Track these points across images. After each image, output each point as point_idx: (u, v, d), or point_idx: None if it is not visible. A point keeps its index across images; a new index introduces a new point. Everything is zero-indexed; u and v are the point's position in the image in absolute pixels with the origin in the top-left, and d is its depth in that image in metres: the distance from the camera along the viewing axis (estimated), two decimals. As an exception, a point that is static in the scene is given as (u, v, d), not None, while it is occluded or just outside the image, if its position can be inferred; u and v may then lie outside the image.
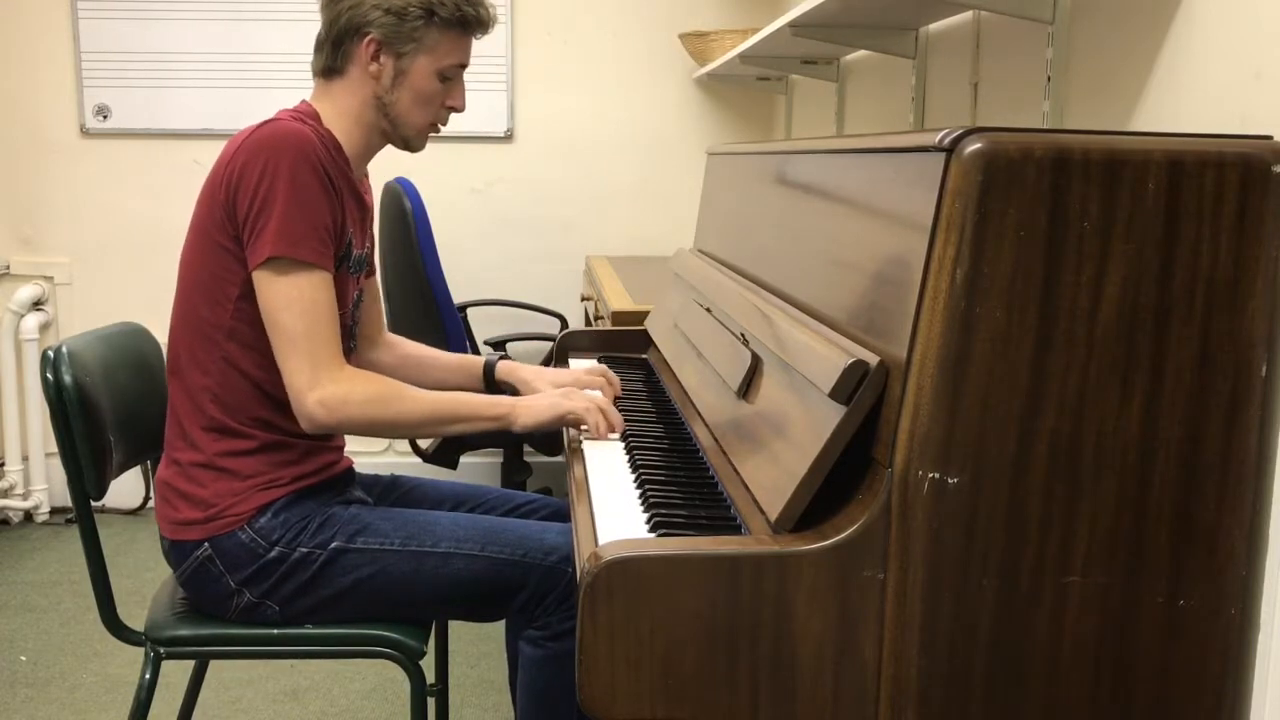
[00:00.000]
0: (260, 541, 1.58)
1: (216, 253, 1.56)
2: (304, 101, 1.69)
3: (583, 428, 1.63)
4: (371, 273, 1.87)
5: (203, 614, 1.64)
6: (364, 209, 1.72)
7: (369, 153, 1.72)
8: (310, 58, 1.76)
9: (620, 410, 1.76)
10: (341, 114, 1.66)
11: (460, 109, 1.73)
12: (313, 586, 1.58)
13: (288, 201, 1.50)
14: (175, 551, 1.61)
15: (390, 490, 1.85)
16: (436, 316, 2.99)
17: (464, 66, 1.70)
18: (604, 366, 1.86)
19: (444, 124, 1.74)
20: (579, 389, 1.76)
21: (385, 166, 3.13)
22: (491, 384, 1.89)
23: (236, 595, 1.59)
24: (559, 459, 3.74)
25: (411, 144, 1.72)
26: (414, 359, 1.93)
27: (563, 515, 1.84)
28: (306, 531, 1.59)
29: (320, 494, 1.65)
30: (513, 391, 1.84)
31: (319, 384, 1.52)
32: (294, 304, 1.51)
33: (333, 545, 1.58)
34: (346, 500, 1.69)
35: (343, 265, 1.62)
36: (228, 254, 1.55)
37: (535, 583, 1.58)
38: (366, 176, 1.80)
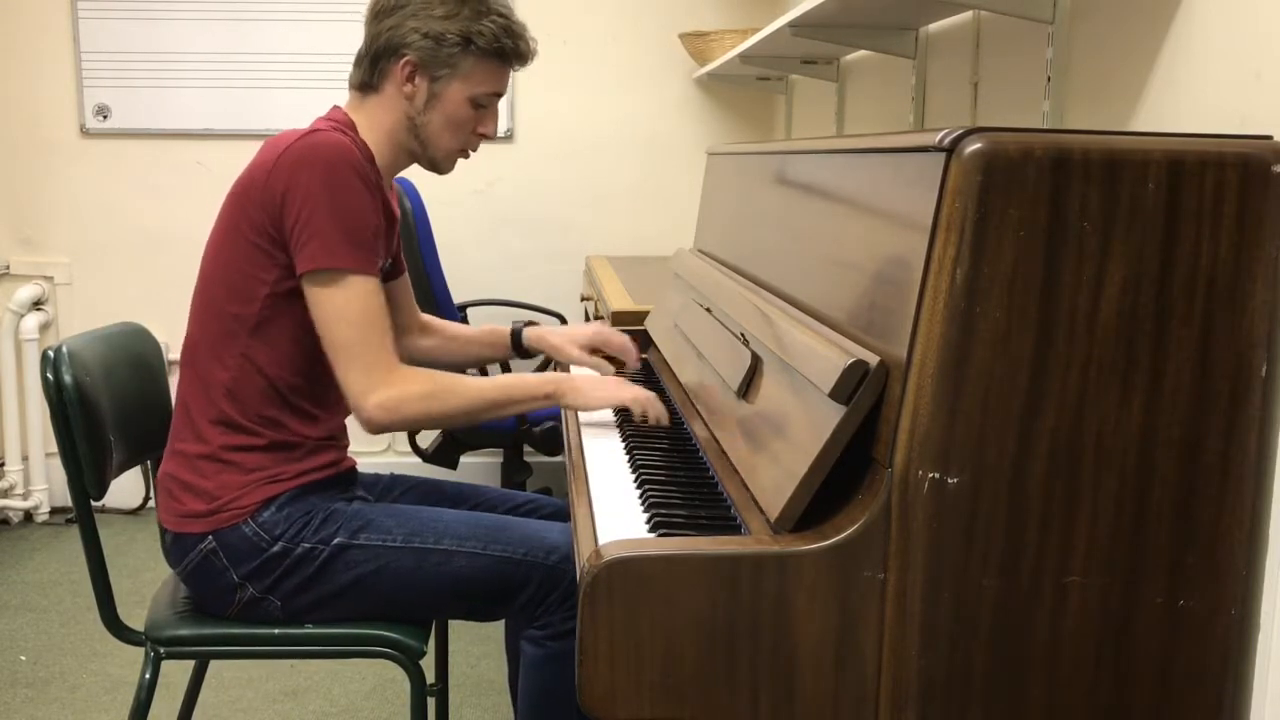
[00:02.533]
0: (264, 535, 1.58)
1: (249, 251, 1.58)
2: (337, 108, 1.71)
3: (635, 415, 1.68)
4: (401, 271, 1.92)
5: (204, 612, 1.64)
6: (391, 220, 1.74)
7: (396, 169, 1.74)
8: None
9: (620, 410, 1.76)
10: (374, 129, 1.68)
11: (491, 137, 1.76)
12: (315, 582, 1.59)
13: (335, 212, 1.53)
14: (178, 545, 1.61)
15: (390, 489, 1.85)
16: (436, 316, 2.99)
17: (498, 95, 1.72)
18: (623, 338, 1.94)
19: (474, 149, 1.76)
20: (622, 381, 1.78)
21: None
22: (521, 351, 1.97)
23: (239, 590, 1.59)
24: (559, 459, 3.74)
25: (439, 166, 1.75)
26: (451, 338, 2.01)
27: (563, 515, 1.84)
28: (310, 527, 1.59)
29: (323, 490, 1.66)
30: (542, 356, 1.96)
31: (375, 389, 1.55)
32: (345, 313, 1.54)
33: (335, 541, 1.59)
34: (349, 498, 1.69)
35: None
36: (261, 253, 1.57)
37: (537, 582, 1.59)
38: (393, 188, 1.83)
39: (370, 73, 1.68)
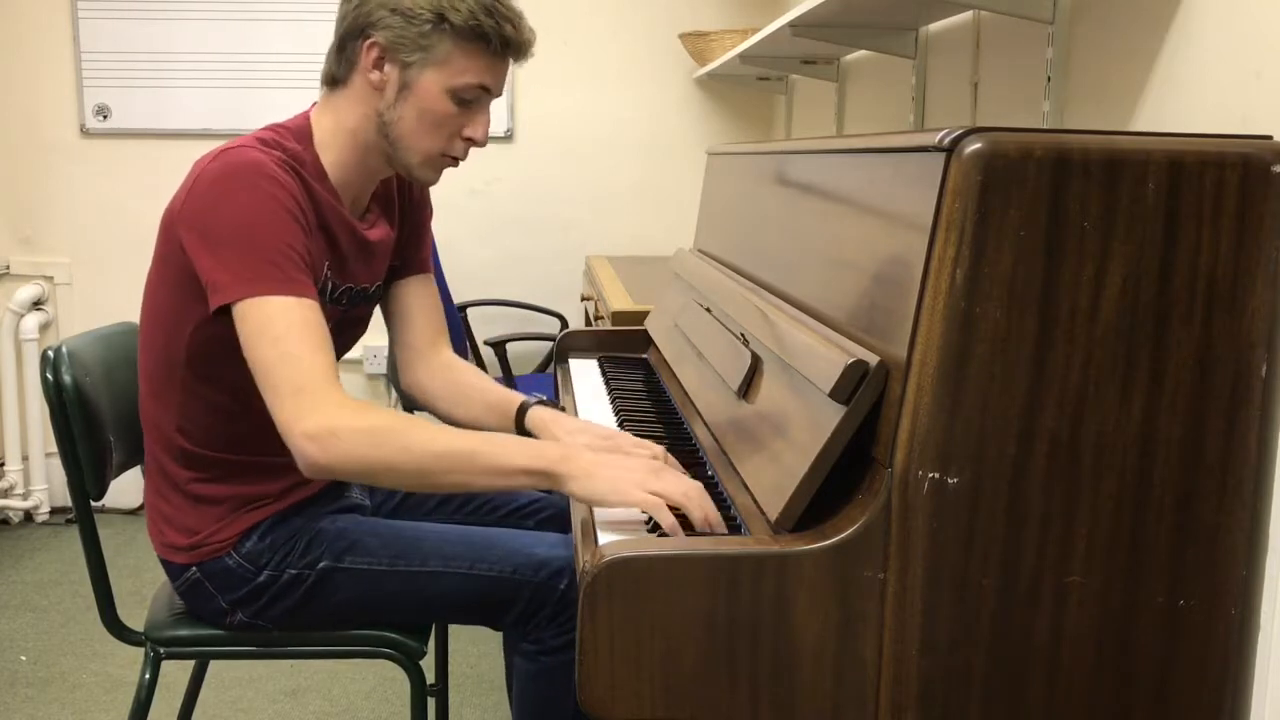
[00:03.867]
0: (248, 566, 1.54)
1: (171, 286, 1.47)
2: (304, 112, 1.56)
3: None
4: (412, 272, 1.73)
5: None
6: (361, 243, 1.57)
7: (370, 176, 1.56)
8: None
9: (620, 411, 1.75)
10: (338, 132, 1.51)
11: (479, 142, 1.52)
12: (304, 606, 1.56)
13: (234, 238, 1.37)
14: (167, 568, 1.59)
15: (395, 489, 1.82)
16: (436, 316, 2.98)
17: (488, 90, 1.49)
18: (664, 453, 1.42)
19: (460, 156, 1.53)
20: (656, 466, 1.31)
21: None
22: (522, 432, 1.63)
23: (230, 614, 1.57)
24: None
25: (414, 172, 1.53)
26: (459, 388, 1.71)
27: (565, 515, 1.84)
28: (294, 552, 1.55)
29: (307, 509, 1.61)
30: None
31: (301, 415, 1.31)
32: (263, 336, 1.35)
33: (321, 565, 1.54)
34: (339, 509, 1.65)
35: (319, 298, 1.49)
36: (182, 289, 1.45)
37: (527, 599, 1.54)
38: (418, 193, 1.67)
39: (338, 61, 1.49)
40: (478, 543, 1.58)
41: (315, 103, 1.59)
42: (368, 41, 1.46)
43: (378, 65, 1.47)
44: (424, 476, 1.33)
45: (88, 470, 1.61)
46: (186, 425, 1.53)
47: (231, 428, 1.53)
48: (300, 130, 1.52)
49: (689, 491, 1.22)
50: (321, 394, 1.33)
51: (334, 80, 1.52)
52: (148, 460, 1.60)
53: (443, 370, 1.73)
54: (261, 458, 1.55)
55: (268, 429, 1.39)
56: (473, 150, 1.56)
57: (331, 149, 1.52)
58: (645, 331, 2.21)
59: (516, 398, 1.66)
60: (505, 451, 1.32)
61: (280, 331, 1.34)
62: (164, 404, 1.52)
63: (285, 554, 1.55)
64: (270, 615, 1.57)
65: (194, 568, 1.55)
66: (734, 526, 1.23)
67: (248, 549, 1.55)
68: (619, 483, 1.26)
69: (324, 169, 1.51)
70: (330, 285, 1.54)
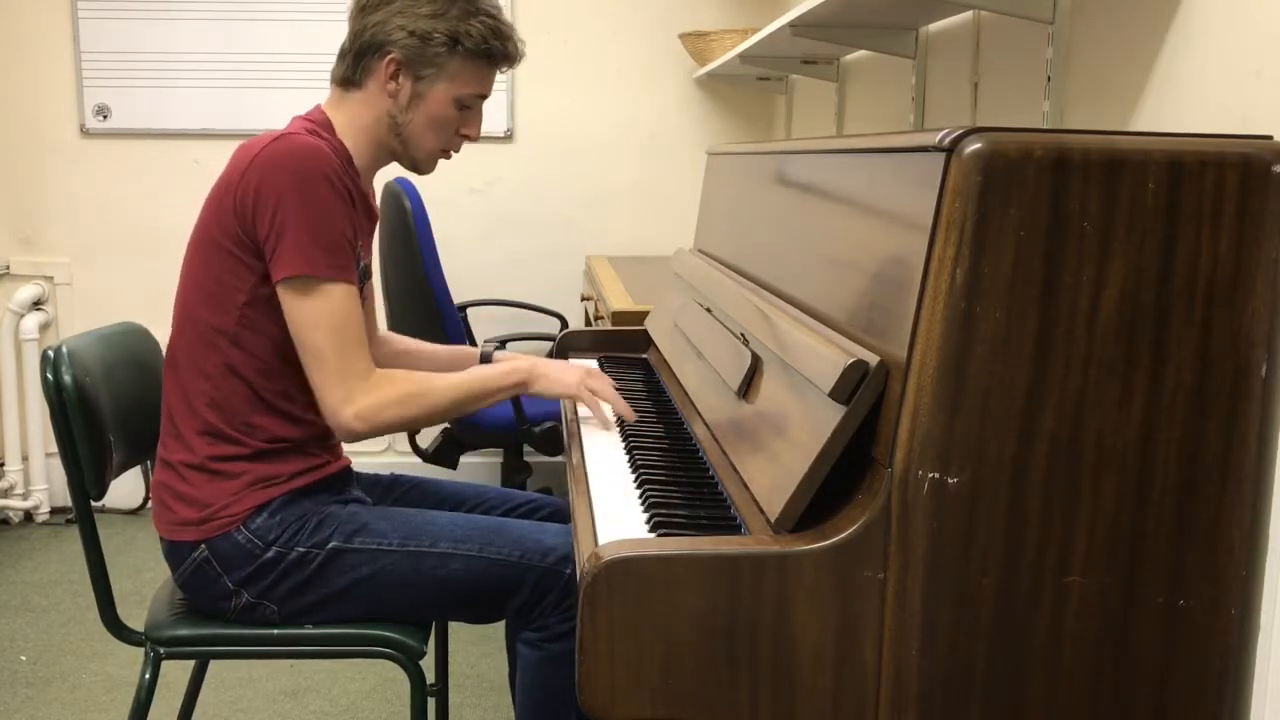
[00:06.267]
0: (257, 542, 1.57)
1: (225, 259, 1.56)
2: (317, 107, 1.69)
3: (584, 413, 1.68)
4: (369, 276, 1.87)
5: (202, 614, 1.64)
6: (371, 219, 1.72)
7: (376, 166, 1.72)
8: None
9: (620, 410, 1.76)
10: (353, 126, 1.66)
11: (474, 139, 1.74)
12: (311, 586, 1.58)
13: (307, 219, 1.51)
14: (173, 552, 1.61)
15: (390, 490, 1.84)
16: (436, 316, 2.99)
17: (484, 97, 1.70)
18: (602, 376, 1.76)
19: (456, 151, 1.74)
20: (592, 370, 1.76)
21: (386, 167, 3.13)
22: None
23: (235, 595, 1.59)
24: (559, 459, 3.74)
25: (420, 166, 1.73)
26: (406, 355, 1.93)
27: (563, 515, 1.84)
28: (304, 531, 1.59)
29: (317, 494, 1.65)
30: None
31: (352, 399, 1.54)
32: (321, 322, 1.52)
33: (330, 545, 1.58)
34: (344, 500, 1.68)
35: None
36: (237, 261, 1.55)
37: (533, 584, 1.58)
38: (371, 185, 1.80)
39: (353, 68, 1.65)
40: (486, 528, 1.64)
41: (318, 105, 1.70)
42: (387, 58, 1.62)
43: (393, 77, 1.64)
44: (445, 417, 1.66)
45: (88, 470, 1.61)
46: (219, 399, 1.59)
47: (253, 410, 1.60)
48: (324, 123, 1.66)
49: (606, 390, 1.69)
50: (364, 377, 1.56)
51: (347, 82, 1.67)
52: (164, 436, 1.65)
53: (382, 345, 1.93)
54: (282, 441, 1.61)
55: (283, 414, 1.60)
56: (473, 150, 1.78)
57: (349, 139, 1.67)
58: (645, 331, 2.21)
59: (471, 352, 1.93)
60: (493, 379, 1.66)
61: (340, 320, 1.53)
62: (203, 374, 1.59)
63: (295, 532, 1.59)
64: (276, 595, 1.59)
65: (202, 545, 1.59)
66: (734, 526, 1.23)
67: (258, 524, 1.58)
68: (569, 381, 1.69)
69: (349, 154, 1.66)
70: (360, 263, 1.66)
